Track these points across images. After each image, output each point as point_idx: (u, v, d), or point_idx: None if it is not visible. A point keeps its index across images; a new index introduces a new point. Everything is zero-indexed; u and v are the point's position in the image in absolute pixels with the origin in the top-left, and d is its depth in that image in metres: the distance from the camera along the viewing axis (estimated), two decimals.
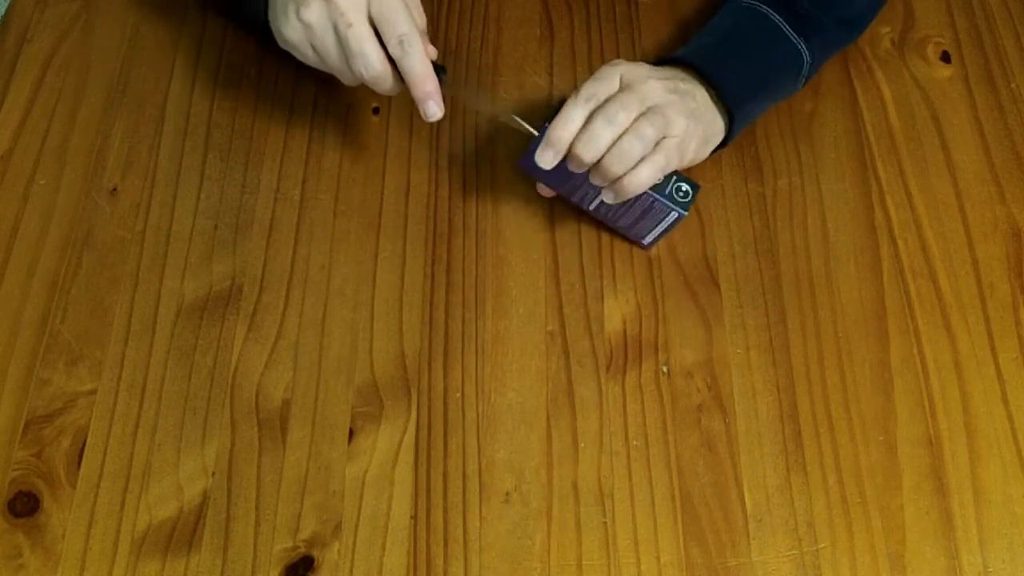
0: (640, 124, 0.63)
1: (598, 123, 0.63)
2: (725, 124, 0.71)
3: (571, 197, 0.72)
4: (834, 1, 0.74)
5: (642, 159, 0.63)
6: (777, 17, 0.72)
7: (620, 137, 0.63)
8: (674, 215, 0.67)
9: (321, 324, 0.69)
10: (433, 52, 0.69)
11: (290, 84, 0.79)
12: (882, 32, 0.83)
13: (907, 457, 0.65)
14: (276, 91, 0.80)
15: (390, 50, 0.64)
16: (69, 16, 0.84)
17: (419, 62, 0.64)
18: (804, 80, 0.75)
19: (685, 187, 0.67)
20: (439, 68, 0.67)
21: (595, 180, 0.65)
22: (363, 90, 0.79)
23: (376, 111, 0.78)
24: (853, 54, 0.82)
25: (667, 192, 0.67)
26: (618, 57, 0.81)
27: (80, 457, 0.65)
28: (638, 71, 0.66)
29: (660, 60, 0.71)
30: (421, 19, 0.67)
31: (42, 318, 0.70)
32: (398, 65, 0.65)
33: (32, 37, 0.83)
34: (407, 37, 0.64)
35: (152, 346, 0.68)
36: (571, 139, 0.63)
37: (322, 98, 0.79)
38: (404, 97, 0.79)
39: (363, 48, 0.64)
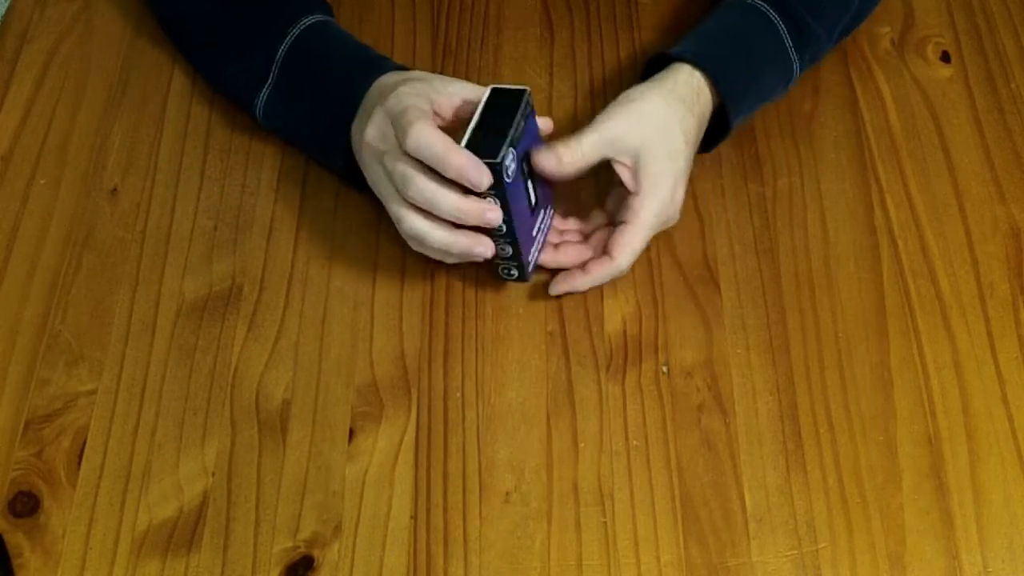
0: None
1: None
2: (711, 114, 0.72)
3: None
4: (830, 13, 0.74)
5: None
6: (782, 27, 0.72)
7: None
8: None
9: (321, 324, 0.69)
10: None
11: None
12: (882, 32, 0.83)
13: (907, 457, 0.65)
14: None
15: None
16: (69, 16, 0.84)
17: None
18: (786, 90, 0.76)
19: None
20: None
21: None
22: None
23: None
24: (853, 54, 0.82)
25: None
26: (618, 56, 0.81)
27: (80, 457, 0.65)
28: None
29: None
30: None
31: (42, 318, 0.70)
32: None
33: (32, 37, 0.83)
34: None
35: (152, 346, 0.68)
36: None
37: None
38: None
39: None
